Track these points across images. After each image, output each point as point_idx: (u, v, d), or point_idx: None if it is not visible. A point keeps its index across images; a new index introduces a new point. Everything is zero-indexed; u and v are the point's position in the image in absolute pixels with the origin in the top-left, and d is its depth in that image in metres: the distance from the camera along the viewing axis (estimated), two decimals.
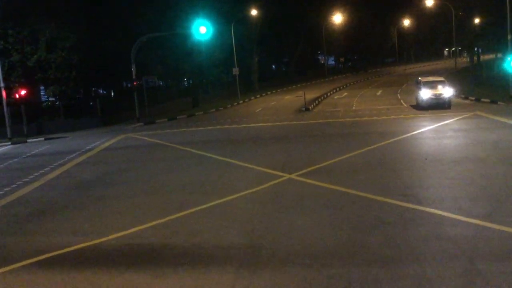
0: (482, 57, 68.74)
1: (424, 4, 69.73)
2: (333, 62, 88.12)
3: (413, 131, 19.70)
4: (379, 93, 41.52)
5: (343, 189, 11.61)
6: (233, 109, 38.55)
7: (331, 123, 24.60)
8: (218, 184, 13.43)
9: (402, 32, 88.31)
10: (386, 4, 79.26)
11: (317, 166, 14.47)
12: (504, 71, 33.30)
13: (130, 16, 36.54)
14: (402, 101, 33.33)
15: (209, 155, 17.89)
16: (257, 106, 38.03)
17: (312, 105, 33.85)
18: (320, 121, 25.68)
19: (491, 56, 72.13)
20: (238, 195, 11.89)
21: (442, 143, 16.97)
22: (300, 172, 13.73)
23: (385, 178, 12.52)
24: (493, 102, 27.86)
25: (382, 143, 17.53)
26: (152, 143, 22.70)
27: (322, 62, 67.04)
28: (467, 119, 22.24)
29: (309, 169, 14.12)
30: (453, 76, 48.68)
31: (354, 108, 31.63)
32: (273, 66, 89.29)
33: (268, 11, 51.35)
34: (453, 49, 78.51)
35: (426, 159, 14.57)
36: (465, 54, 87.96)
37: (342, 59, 77.64)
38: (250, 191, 12.20)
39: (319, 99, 38.28)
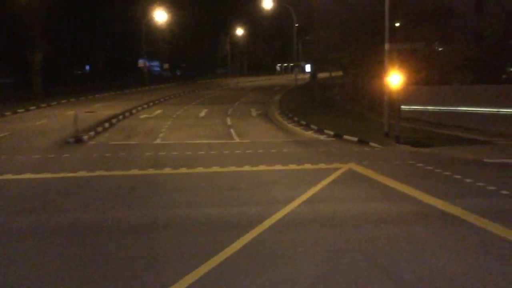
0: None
1: (261, 11, 62.48)
2: (158, 69, 75.90)
3: (264, 217, 8.79)
4: (203, 113, 30.59)
5: None
6: None
7: (104, 181, 12.47)
8: None
9: (235, 42, 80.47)
10: (218, 9, 70.28)
11: None
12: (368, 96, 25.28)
13: None
14: (232, 131, 22.68)
15: None
16: (3, 128, 23.83)
17: (93, 132, 21.29)
18: (88, 174, 13.28)
19: (325, 74, 67.81)
20: None
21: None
22: None
23: None
24: (363, 142, 18.84)
25: (196, 271, 6.11)
26: None
27: (141, 67, 54.34)
28: (344, 182, 12.22)
29: None
30: (294, 96, 40.53)
31: (159, 140, 20.01)
32: (88, 68, 73.54)
33: None
34: (292, 64, 72.68)
35: None
36: (297, 70, 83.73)
37: (166, 66, 65.92)
38: None
39: (114, 119, 25.86)
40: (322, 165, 14.44)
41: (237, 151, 17.01)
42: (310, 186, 11.63)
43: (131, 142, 19.30)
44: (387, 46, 18.87)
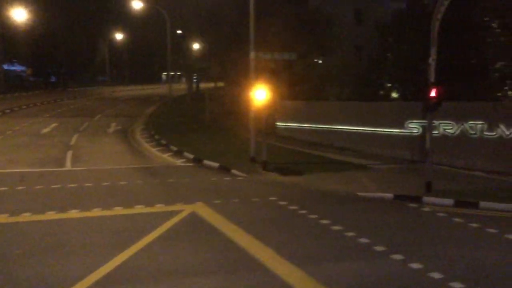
0: (202, 85, 60.23)
1: (137, 16, 58.08)
2: (24, 74, 67.43)
3: None
4: (48, 129, 25.54)
5: None
6: None
7: None
8: None
9: (116, 48, 74.59)
10: (92, 12, 64.17)
11: None
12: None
13: None
14: (69, 154, 18.31)
15: None
16: None
17: None
18: None
19: (211, 84, 65.04)
20: None
21: None
22: None
23: None
24: (224, 168, 15.72)
25: None
26: None
27: None
28: (176, 237, 8.85)
29: None
30: (168, 109, 36.77)
31: None
32: None
33: None
34: (172, 73, 68.86)
35: None
36: (185, 80, 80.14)
37: (29, 71, 58.36)
38: None
39: None
40: (159, 207, 10.96)
41: (56, 186, 12.90)
42: (123, 247, 8.09)
43: None
44: (252, 55, 16.04)
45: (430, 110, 12.32)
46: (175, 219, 9.91)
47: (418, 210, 11.25)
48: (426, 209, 11.29)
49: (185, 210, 10.67)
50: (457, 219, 10.29)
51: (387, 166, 17.21)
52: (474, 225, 9.86)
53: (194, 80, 67.35)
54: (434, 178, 12.84)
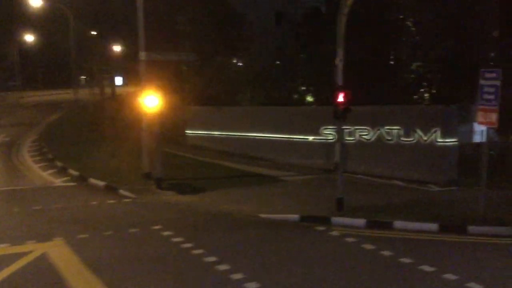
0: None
1: (47, 16, 53.72)
2: None
3: None
4: None
5: None
6: None
7: None
8: None
9: (26, 50, 68.92)
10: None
11: None
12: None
13: None
14: None
15: None
16: None
17: None
18: None
19: (132, 89, 61.51)
20: None
21: None
22: None
23: None
24: (111, 188, 13.42)
25: None
26: None
27: None
28: None
29: None
30: (73, 117, 33.49)
31: None
32: None
33: None
34: (83, 77, 64.90)
35: None
36: (104, 83, 75.63)
37: None
38: None
39: None
40: (1, 248, 8.51)
41: None
42: None
43: None
44: (141, 55, 13.87)
45: (338, 118, 10.71)
46: (13, 267, 7.55)
47: (325, 235, 9.60)
48: (335, 233, 9.67)
49: (35, 251, 8.33)
50: (368, 246, 8.71)
51: (301, 178, 15.70)
52: (386, 253, 8.31)
53: (119, 84, 63.25)
54: (348, 190, 11.42)
